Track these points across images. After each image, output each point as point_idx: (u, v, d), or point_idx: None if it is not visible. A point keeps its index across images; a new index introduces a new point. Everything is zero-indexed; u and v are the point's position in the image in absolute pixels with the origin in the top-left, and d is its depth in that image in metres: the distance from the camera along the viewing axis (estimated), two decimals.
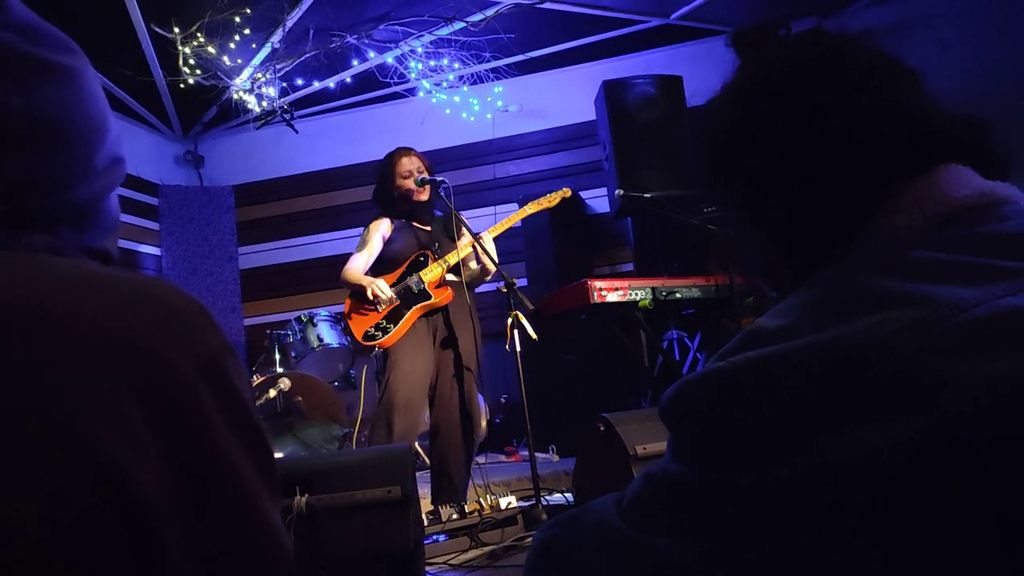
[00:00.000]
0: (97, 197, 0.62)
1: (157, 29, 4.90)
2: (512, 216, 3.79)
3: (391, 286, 3.54)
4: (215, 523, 0.48)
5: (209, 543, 0.47)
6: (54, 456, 0.42)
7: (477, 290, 3.76)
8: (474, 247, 3.49)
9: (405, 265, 3.60)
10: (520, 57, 5.82)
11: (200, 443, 0.48)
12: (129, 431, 0.45)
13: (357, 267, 3.59)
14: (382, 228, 3.67)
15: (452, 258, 3.55)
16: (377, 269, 3.67)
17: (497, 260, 3.50)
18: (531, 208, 3.84)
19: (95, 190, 0.61)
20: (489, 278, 3.64)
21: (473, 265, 3.64)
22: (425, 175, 3.61)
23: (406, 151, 3.67)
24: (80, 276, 0.50)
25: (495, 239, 3.65)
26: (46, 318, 0.46)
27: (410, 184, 3.59)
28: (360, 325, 3.53)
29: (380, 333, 3.48)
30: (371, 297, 3.46)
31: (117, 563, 0.42)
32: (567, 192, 3.92)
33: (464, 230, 3.57)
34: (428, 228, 3.68)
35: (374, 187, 3.75)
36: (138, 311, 0.50)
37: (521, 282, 5.15)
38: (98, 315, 0.48)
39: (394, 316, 3.50)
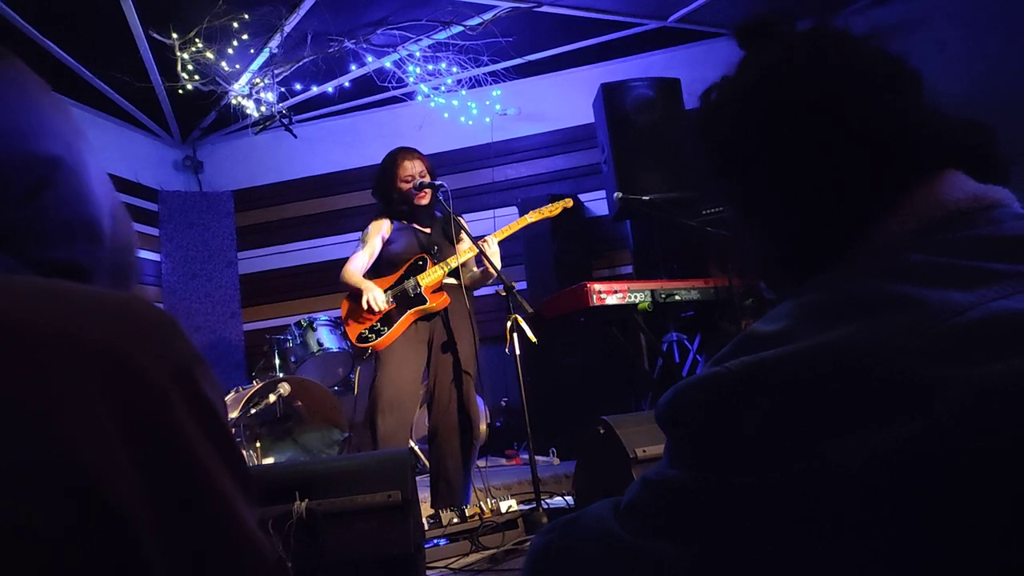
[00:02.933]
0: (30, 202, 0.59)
1: (155, 35, 4.91)
2: (513, 224, 3.79)
3: (389, 288, 3.56)
4: (191, 529, 0.48)
5: (187, 549, 0.47)
6: (32, 468, 0.42)
7: (476, 293, 3.76)
8: (480, 250, 3.49)
9: (404, 268, 3.60)
10: (518, 61, 5.82)
11: (174, 450, 0.49)
12: (104, 440, 0.45)
13: (356, 268, 3.60)
14: (382, 228, 3.67)
15: (453, 261, 3.55)
16: (376, 271, 3.67)
17: (499, 264, 3.50)
18: (533, 217, 3.84)
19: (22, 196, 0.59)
20: (490, 282, 3.64)
21: (475, 268, 3.64)
22: (426, 179, 3.61)
23: (408, 153, 3.65)
24: (50, 289, 0.51)
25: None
26: (19, 329, 0.46)
27: (411, 187, 3.59)
28: (355, 328, 3.54)
29: (374, 336, 3.49)
30: (364, 306, 3.47)
31: (98, 573, 0.43)
32: (569, 202, 3.92)
33: (464, 236, 3.58)
34: (428, 230, 3.68)
35: (374, 182, 3.74)
36: (110, 321, 0.50)
37: (520, 285, 5.17)
38: (69, 326, 0.48)
39: (388, 319, 3.51)
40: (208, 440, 0.51)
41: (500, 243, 3.67)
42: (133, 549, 0.44)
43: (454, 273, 3.59)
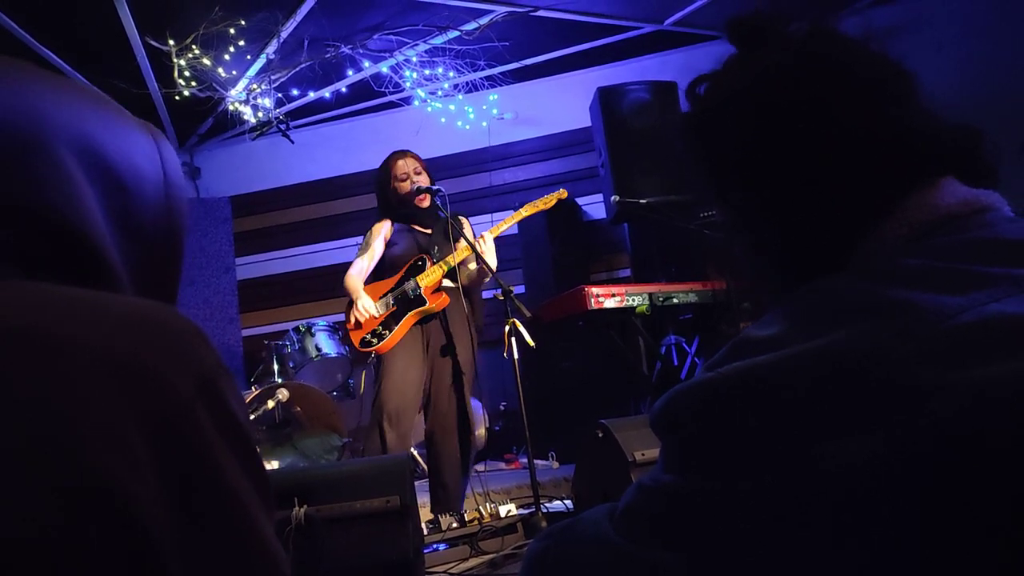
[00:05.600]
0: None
1: (152, 41, 4.91)
2: (509, 218, 3.79)
3: (390, 291, 3.58)
4: (211, 540, 0.48)
5: (205, 558, 0.47)
6: (56, 478, 0.42)
7: None
8: (473, 249, 3.49)
9: (404, 270, 3.61)
10: (514, 65, 5.83)
11: (197, 461, 0.49)
12: (128, 451, 0.45)
13: (357, 272, 3.63)
14: (383, 230, 3.70)
15: (452, 260, 3.55)
16: (378, 274, 3.70)
17: (495, 264, 3.51)
18: (527, 210, 3.83)
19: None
20: (488, 279, 3.64)
21: (472, 266, 3.64)
22: (423, 178, 3.63)
23: (401, 154, 3.69)
24: (70, 299, 0.51)
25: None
26: (43, 340, 0.46)
27: (407, 187, 3.60)
28: (358, 332, 3.56)
29: (376, 339, 3.50)
30: (352, 317, 3.54)
31: None
32: (563, 193, 3.92)
33: (463, 237, 3.58)
34: (429, 231, 3.70)
35: (374, 188, 3.79)
36: (134, 332, 0.50)
37: (518, 289, 5.16)
38: (94, 336, 0.48)
39: (390, 322, 3.52)
40: (231, 451, 0.51)
41: (498, 244, 3.68)
42: (154, 559, 0.44)
43: (452, 276, 3.59)
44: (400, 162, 3.64)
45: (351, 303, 3.59)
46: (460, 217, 3.68)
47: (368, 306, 3.52)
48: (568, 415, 4.79)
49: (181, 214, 0.67)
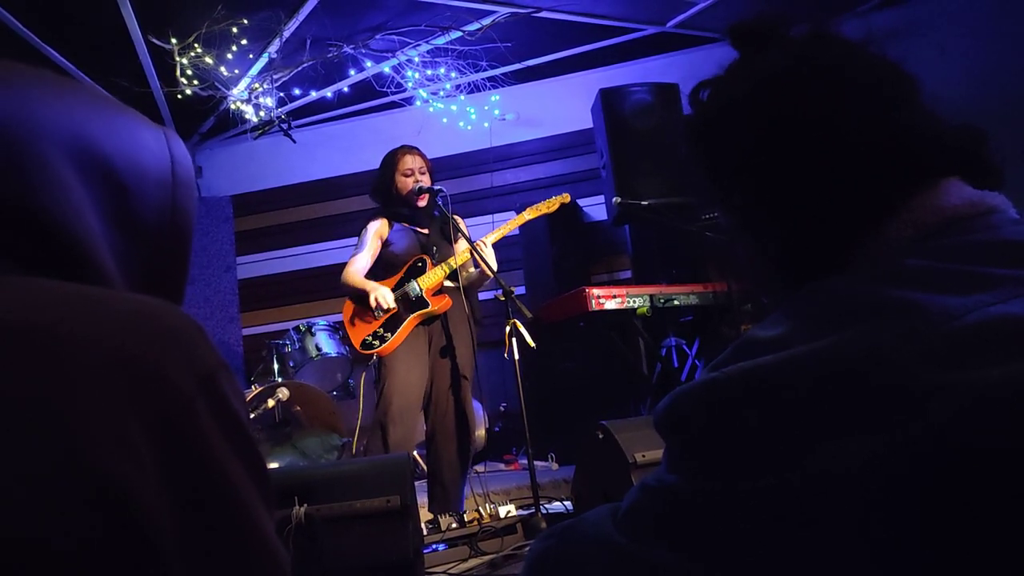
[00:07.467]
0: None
1: (154, 40, 4.91)
2: (511, 221, 3.78)
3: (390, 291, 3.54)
4: (212, 537, 0.48)
5: (206, 556, 0.47)
6: (57, 476, 0.42)
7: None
8: (474, 249, 3.48)
9: (403, 270, 3.59)
10: (517, 66, 5.83)
11: (198, 458, 0.49)
12: (130, 449, 0.45)
13: (357, 269, 3.58)
14: (380, 229, 3.65)
15: (453, 262, 3.53)
16: (374, 273, 3.65)
17: (495, 266, 3.50)
18: (530, 213, 3.83)
19: None
20: (488, 280, 3.63)
21: (471, 269, 3.64)
22: (427, 178, 3.61)
23: (410, 149, 3.65)
24: (69, 296, 0.50)
25: (493, 244, 3.65)
26: (43, 338, 0.46)
27: (410, 184, 3.57)
28: (358, 333, 3.52)
29: (378, 342, 3.48)
30: (372, 305, 3.45)
31: None
32: (566, 197, 3.91)
33: (461, 237, 3.57)
34: (426, 231, 3.67)
35: (373, 180, 3.73)
36: (134, 329, 0.50)
37: (519, 290, 5.16)
38: (94, 334, 0.48)
39: (392, 324, 3.49)
40: (231, 449, 0.51)
41: (499, 245, 3.67)
42: (156, 556, 0.44)
43: (452, 275, 3.58)
44: (408, 157, 3.60)
45: (356, 298, 3.57)
46: (455, 216, 3.64)
47: (387, 296, 3.46)
48: (568, 416, 4.78)
49: (188, 214, 0.66)
